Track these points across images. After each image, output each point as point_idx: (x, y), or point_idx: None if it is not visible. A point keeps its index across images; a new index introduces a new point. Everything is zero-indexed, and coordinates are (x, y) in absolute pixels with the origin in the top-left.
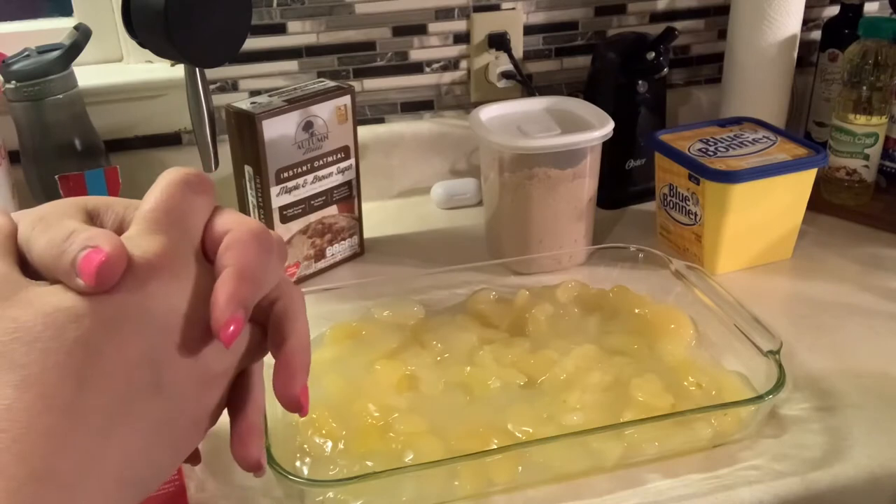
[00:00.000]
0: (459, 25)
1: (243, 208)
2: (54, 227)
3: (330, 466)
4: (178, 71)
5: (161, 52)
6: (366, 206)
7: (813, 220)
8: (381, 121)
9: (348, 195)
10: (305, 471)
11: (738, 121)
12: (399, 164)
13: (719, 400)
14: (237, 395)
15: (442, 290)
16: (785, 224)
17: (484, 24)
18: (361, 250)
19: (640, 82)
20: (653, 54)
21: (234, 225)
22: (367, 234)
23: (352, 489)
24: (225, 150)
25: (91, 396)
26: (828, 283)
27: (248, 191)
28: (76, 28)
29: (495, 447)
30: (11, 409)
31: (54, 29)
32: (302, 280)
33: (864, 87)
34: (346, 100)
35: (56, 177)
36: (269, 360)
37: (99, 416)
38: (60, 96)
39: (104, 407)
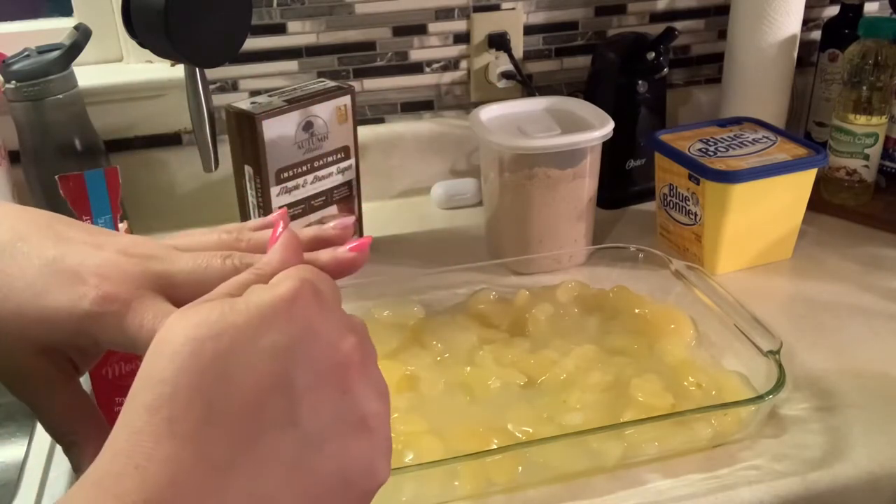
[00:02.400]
0: (459, 25)
1: (243, 208)
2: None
3: None
4: (178, 71)
5: (161, 52)
6: (366, 206)
7: (813, 220)
8: (381, 121)
9: (348, 195)
10: None
11: (738, 121)
12: (399, 164)
13: (719, 400)
14: None
15: (442, 290)
16: (785, 224)
17: (484, 24)
18: None
19: (640, 82)
20: (653, 54)
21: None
22: (366, 234)
23: None
24: (225, 150)
25: (217, 423)
26: (828, 283)
27: (248, 191)
28: (76, 28)
29: (495, 447)
30: (141, 433)
31: (54, 29)
32: None
33: (864, 87)
34: (346, 100)
35: (56, 177)
36: None
37: (222, 447)
38: (60, 96)
39: (229, 436)
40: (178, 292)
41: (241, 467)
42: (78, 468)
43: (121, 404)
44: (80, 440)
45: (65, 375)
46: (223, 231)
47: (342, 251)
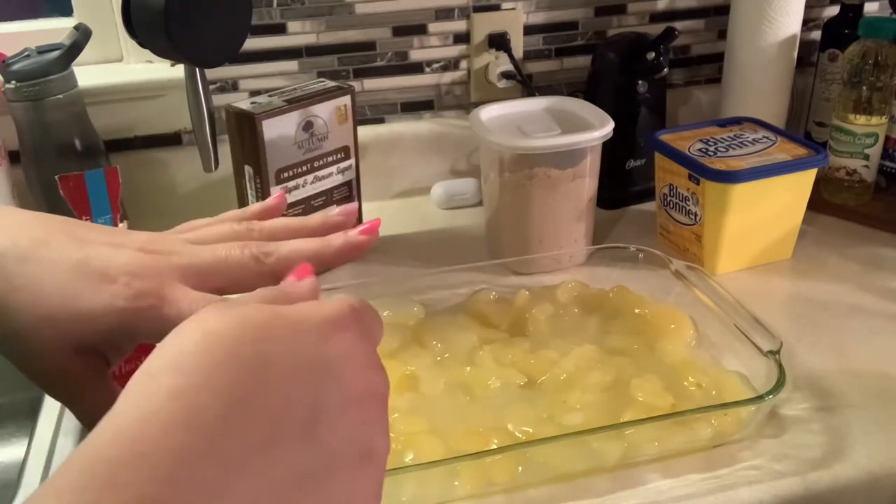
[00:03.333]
0: (459, 25)
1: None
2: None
3: None
4: (178, 71)
5: (161, 52)
6: (366, 206)
7: (813, 220)
8: (381, 121)
9: (348, 195)
10: None
11: (738, 121)
12: (399, 164)
13: (719, 400)
14: None
15: (442, 290)
16: (785, 224)
17: (484, 24)
18: None
19: (640, 82)
20: (653, 54)
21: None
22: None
23: None
24: (225, 150)
25: (238, 423)
26: (828, 283)
27: (248, 191)
28: (76, 28)
29: (495, 447)
30: (155, 416)
31: (54, 29)
32: None
33: (864, 87)
34: (346, 100)
35: (56, 177)
36: None
37: (238, 445)
38: (60, 96)
39: (246, 437)
40: (202, 283)
41: (252, 471)
42: None
43: None
44: None
45: (99, 372)
46: (231, 221)
47: (353, 234)
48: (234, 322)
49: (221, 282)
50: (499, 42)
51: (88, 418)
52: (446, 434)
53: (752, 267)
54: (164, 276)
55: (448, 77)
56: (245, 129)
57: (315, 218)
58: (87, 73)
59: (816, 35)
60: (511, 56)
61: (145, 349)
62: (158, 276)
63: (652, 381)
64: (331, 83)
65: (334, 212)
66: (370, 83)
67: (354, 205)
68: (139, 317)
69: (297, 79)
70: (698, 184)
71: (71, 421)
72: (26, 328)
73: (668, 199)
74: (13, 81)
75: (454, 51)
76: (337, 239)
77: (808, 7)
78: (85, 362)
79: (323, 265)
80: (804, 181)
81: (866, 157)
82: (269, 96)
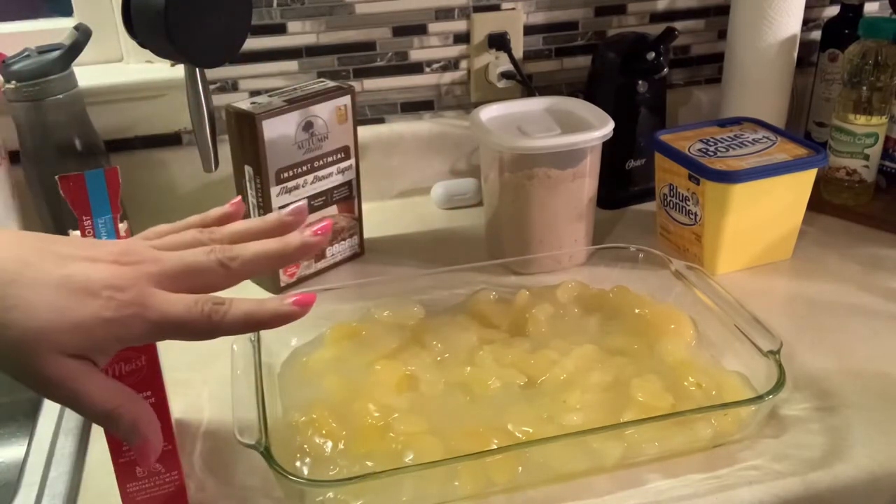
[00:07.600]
0: (459, 25)
1: None
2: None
3: (330, 466)
4: (178, 71)
5: (161, 52)
6: (366, 206)
7: (813, 220)
8: (381, 121)
9: (348, 195)
10: (305, 471)
11: (738, 121)
12: (399, 164)
13: (719, 400)
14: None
15: (442, 290)
16: (785, 224)
17: (484, 24)
18: (361, 250)
19: (640, 82)
20: (653, 54)
21: None
22: (367, 234)
23: (352, 489)
24: (225, 150)
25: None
26: (828, 283)
27: (248, 191)
28: (76, 28)
29: (495, 447)
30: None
31: (54, 29)
32: (302, 280)
33: (864, 87)
34: (346, 100)
35: (56, 177)
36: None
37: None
38: (60, 96)
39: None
40: (175, 287)
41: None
42: (130, 434)
43: None
44: (125, 410)
45: (91, 372)
46: (194, 229)
47: (308, 234)
48: None
49: (191, 285)
50: (499, 42)
51: (92, 408)
52: (446, 434)
53: (752, 267)
54: (142, 285)
55: (448, 77)
56: (245, 129)
57: (271, 218)
58: (87, 73)
59: (816, 35)
60: (511, 56)
61: (144, 349)
62: (137, 285)
63: (652, 381)
64: (331, 83)
65: (285, 211)
66: (370, 83)
67: (303, 203)
68: (125, 324)
69: (297, 79)
70: (698, 184)
71: (71, 421)
72: (23, 340)
73: (668, 199)
74: (13, 81)
75: (454, 51)
76: (294, 239)
77: (808, 7)
78: (77, 366)
79: (285, 263)
80: (804, 181)
81: (866, 157)
82: (269, 96)
